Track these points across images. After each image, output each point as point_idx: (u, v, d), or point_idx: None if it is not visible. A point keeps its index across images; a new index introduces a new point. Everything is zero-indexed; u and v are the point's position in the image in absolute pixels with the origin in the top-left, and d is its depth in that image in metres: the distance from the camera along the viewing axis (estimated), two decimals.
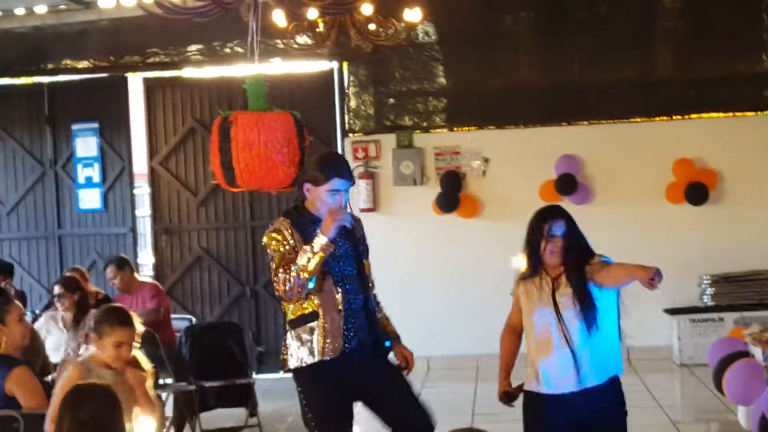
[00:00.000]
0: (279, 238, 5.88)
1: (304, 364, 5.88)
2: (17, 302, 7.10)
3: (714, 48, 12.20)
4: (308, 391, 5.94)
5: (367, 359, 5.94)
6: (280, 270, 5.80)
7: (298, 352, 5.90)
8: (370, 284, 6.08)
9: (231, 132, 6.78)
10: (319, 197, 5.93)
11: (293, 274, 5.74)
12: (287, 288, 5.76)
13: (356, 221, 6.10)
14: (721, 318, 11.74)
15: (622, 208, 12.16)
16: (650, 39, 12.40)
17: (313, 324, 5.86)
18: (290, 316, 5.94)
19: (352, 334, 5.89)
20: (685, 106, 12.31)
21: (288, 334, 5.97)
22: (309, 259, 5.72)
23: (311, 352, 5.85)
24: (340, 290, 5.89)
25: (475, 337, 11.51)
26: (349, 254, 5.98)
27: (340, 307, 5.87)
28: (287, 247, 5.84)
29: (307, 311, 5.88)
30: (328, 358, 5.83)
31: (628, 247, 11.48)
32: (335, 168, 5.96)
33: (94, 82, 13.21)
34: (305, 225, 5.91)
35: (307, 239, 5.80)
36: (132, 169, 13.27)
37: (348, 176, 5.98)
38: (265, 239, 5.96)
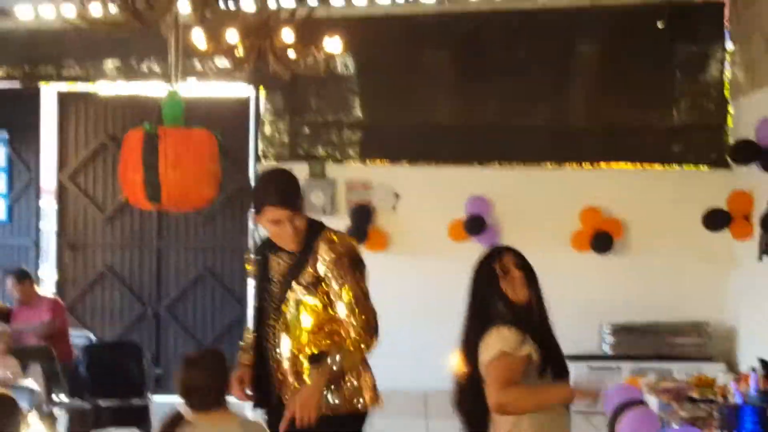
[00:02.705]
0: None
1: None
2: None
3: (627, 100, 12.38)
4: None
5: None
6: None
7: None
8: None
9: (159, 147, 6.53)
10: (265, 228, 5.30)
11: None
12: None
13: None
14: (618, 367, 11.83)
15: (528, 252, 12.03)
16: (566, 87, 12.52)
17: None
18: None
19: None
20: (595, 154, 12.44)
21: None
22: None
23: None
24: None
25: (385, 372, 11.50)
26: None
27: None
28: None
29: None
30: None
31: None
32: (265, 193, 5.18)
33: (6, 91, 13.03)
34: (261, 257, 5.41)
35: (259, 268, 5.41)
36: (39, 181, 13.10)
37: (280, 201, 5.11)
38: None
